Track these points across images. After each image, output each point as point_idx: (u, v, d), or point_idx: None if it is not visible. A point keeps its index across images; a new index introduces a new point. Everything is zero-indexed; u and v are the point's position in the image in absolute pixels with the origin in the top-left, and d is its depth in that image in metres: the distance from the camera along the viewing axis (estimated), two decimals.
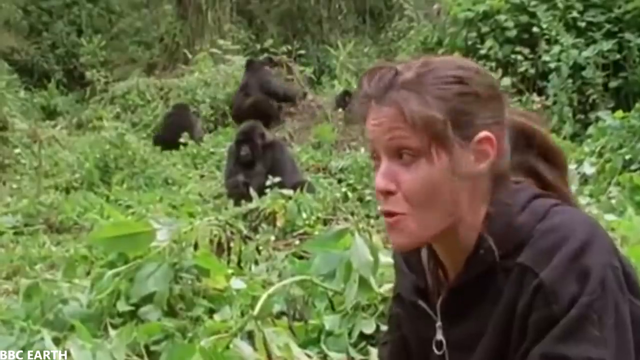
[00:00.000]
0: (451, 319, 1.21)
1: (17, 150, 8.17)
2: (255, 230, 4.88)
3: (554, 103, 6.13)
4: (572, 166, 4.98)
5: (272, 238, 4.58)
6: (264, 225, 4.93)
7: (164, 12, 15.04)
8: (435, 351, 1.24)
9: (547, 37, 6.41)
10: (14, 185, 7.44)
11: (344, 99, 8.82)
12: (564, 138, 5.79)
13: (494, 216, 1.16)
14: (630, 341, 1.09)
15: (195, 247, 2.58)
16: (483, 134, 1.14)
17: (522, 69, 6.35)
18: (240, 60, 11.54)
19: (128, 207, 6.03)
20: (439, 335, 1.23)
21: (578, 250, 1.09)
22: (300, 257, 3.43)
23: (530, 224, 1.14)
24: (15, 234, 5.57)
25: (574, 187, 4.31)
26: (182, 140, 8.37)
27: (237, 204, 5.48)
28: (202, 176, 7.82)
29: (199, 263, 2.45)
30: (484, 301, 1.15)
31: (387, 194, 1.14)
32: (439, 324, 1.23)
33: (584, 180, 4.94)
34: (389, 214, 1.16)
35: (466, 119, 1.14)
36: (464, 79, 1.15)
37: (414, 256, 1.27)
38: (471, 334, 1.17)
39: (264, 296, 2.16)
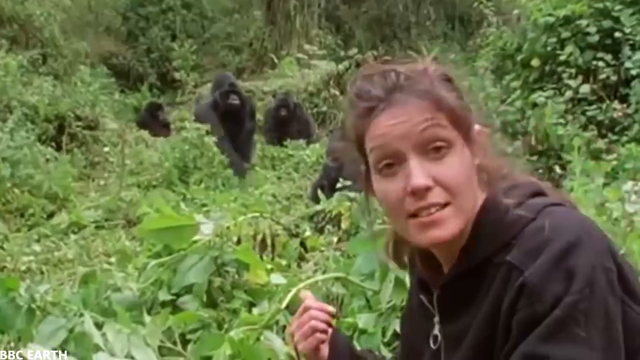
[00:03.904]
0: (447, 313, 1.23)
1: (106, 149, 8.54)
2: (321, 231, 4.95)
3: (636, 111, 5.92)
4: None
5: (335, 239, 4.64)
6: (329, 226, 5.00)
7: (253, 17, 15.37)
8: (432, 345, 1.26)
9: (631, 42, 6.20)
10: (102, 182, 7.78)
11: None
12: None
13: (486, 212, 1.18)
14: (620, 345, 1.08)
15: (239, 242, 2.67)
16: (477, 127, 1.19)
17: (603, 76, 6.16)
18: (326, 65, 11.69)
19: (203, 205, 6.21)
20: (436, 330, 1.25)
21: (564, 250, 1.08)
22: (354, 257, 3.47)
23: (522, 221, 1.14)
24: (96, 228, 5.86)
25: None
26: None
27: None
28: (279, 178, 7.96)
29: (239, 257, 2.53)
30: (477, 296, 1.16)
31: (427, 190, 1.13)
32: (436, 318, 1.25)
33: None
34: (429, 207, 1.14)
35: (466, 114, 1.19)
36: (451, 77, 1.20)
37: (425, 251, 1.28)
38: (464, 328, 1.18)
39: (294, 290, 2.22)
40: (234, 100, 7.94)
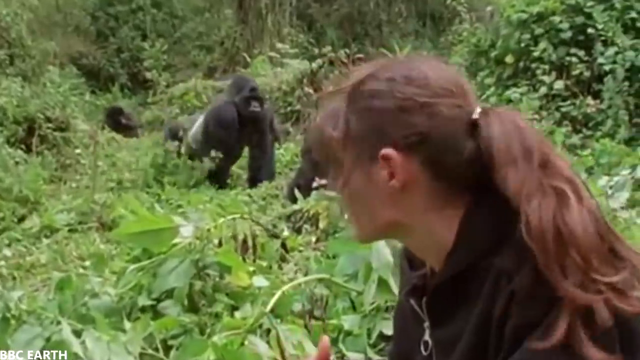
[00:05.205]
0: (437, 318, 1.19)
1: (77, 151, 8.42)
2: (298, 231, 4.90)
3: (609, 107, 5.97)
4: (625, 171, 4.83)
5: (313, 239, 4.59)
6: (306, 226, 4.95)
7: (224, 16, 15.27)
8: (423, 352, 1.22)
9: (603, 38, 6.25)
10: (74, 185, 7.66)
11: None
12: (619, 142, 5.62)
13: (470, 215, 1.13)
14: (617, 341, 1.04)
15: (220, 244, 2.61)
16: (383, 151, 1.11)
17: (576, 72, 6.20)
18: (298, 64, 11.64)
19: (179, 206, 6.14)
20: (426, 336, 1.21)
21: None
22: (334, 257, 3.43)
23: (512, 223, 1.11)
24: (69, 231, 5.75)
25: (626, 194, 4.19)
26: None
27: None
28: None
29: (220, 260, 2.48)
30: (467, 301, 1.12)
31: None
32: (426, 323, 1.21)
33: (638, 185, 4.79)
34: None
35: (370, 136, 1.13)
36: (378, 92, 1.12)
37: (415, 255, 1.25)
38: (455, 334, 1.14)
39: (278, 293, 2.17)
40: (256, 107, 7.32)
